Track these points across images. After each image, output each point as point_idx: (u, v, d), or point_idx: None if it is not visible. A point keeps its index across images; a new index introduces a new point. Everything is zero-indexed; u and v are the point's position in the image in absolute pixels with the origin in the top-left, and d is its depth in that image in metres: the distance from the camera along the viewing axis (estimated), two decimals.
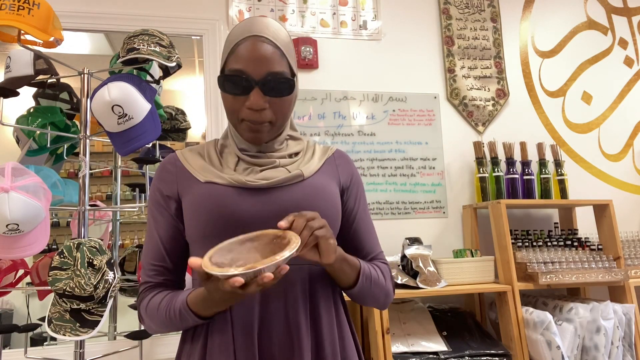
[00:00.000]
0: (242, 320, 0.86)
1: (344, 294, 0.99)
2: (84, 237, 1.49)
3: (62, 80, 1.74)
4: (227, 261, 0.75)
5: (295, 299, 0.88)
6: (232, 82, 0.90)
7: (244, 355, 0.84)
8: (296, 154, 1.00)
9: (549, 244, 2.19)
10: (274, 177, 0.91)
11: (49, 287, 1.33)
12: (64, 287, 1.31)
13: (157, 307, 0.90)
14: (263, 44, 0.89)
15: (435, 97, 2.48)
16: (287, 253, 0.71)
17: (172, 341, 1.94)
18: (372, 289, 0.95)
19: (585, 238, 2.26)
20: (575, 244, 2.21)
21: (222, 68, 0.94)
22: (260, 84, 0.88)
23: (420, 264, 2.05)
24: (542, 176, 2.37)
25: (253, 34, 0.90)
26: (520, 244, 2.18)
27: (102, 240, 1.65)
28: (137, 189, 1.77)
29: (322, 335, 0.89)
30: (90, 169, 1.59)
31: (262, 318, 0.87)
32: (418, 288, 1.97)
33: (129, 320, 1.82)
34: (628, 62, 2.80)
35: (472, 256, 2.14)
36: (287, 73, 0.91)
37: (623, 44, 2.81)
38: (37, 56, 1.57)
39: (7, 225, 1.32)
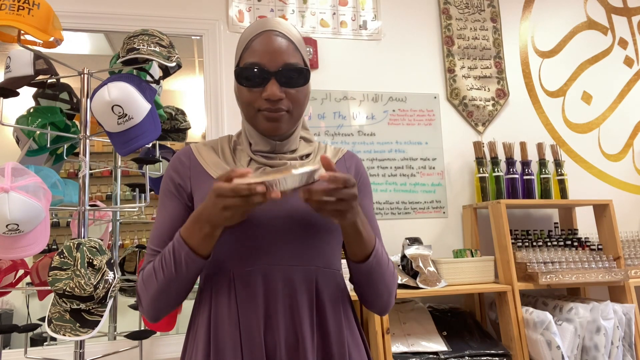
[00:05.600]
0: (248, 321, 0.86)
1: (352, 297, 0.98)
2: (84, 237, 1.49)
3: (62, 80, 1.74)
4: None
5: (301, 301, 0.88)
6: (248, 75, 0.91)
7: (250, 356, 0.84)
8: (307, 155, 1.01)
9: (549, 244, 2.19)
10: None
11: (49, 287, 1.33)
12: (64, 287, 1.31)
13: (153, 266, 0.88)
14: (277, 37, 0.92)
15: (435, 97, 2.48)
16: (308, 168, 0.76)
17: (172, 341, 1.94)
18: (380, 277, 0.93)
19: (585, 238, 2.26)
20: (575, 244, 2.21)
21: (237, 64, 0.95)
22: (276, 75, 0.90)
23: (420, 264, 2.05)
24: (542, 176, 2.37)
25: (266, 29, 0.93)
26: (520, 244, 2.18)
27: (102, 240, 1.65)
28: (137, 189, 1.77)
29: (330, 339, 0.89)
30: (90, 169, 1.59)
31: (267, 320, 0.87)
32: (418, 288, 1.97)
33: (129, 320, 1.82)
34: (628, 62, 2.80)
35: (472, 256, 2.14)
36: (302, 64, 0.94)
37: (623, 44, 2.81)
38: (37, 56, 1.57)
39: (7, 225, 1.32)
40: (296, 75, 0.92)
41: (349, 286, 1.02)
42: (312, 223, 0.91)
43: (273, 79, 0.90)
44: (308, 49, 2.35)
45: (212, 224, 0.80)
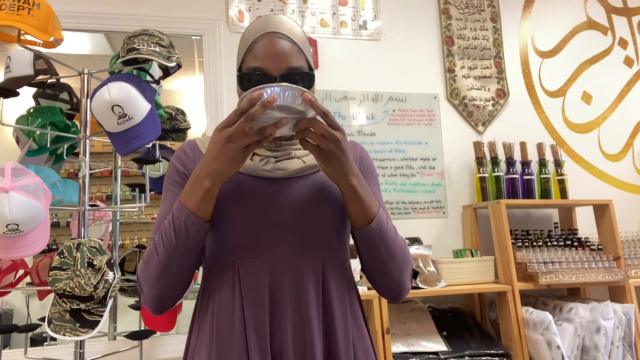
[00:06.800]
0: (253, 314, 0.84)
1: (359, 291, 0.96)
2: (84, 237, 1.49)
3: (62, 80, 1.74)
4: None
5: (308, 292, 0.86)
6: (251, 80, 0.89)
7: (257, 351, 0.82)
8: None
9: (549, 244, 2.19)
10: (289, 168, 0.91)
11: (49, 287, 1.33)
12: (64, 287, 1.31)
13: (153, 243, 0.86)
14: (280, 40, 0.90)
15: (435, 97, 2.48)
16: (299, 87, 0.75)
17: (172, 341, 1.94)
18: (386, 248, 0.89)
19: (585, 238, 2.26)
20: (575, 244, 2.21)
21: (239, 67, 0.94)
22: (280, 80, 0.88)
23: (420, 264, 2.05)
24: (542, 176, 2.37)
25: (269, 31, 0.90)
26: (520, 244, 2.18)
27: (102, 240, 1.65)
28: (137, 189, 1.77)
29: (335, 331, 0.87)
30: (90, 169, 1.59)
31: (273, 312, 0.85)
32: (418, 288, 1.97)
33: (129, 320, 1.82)
34: (628, 62, 2.80)
35: (472, 256, 2.14)
36: (306, 67, 0.92)
37: (623, 44, 2.81)
38: (37, 56, 1.57)
39: (7, 226, 1.32)
40: (300, 79, 0.90)
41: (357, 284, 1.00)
42: (317, 212, 0.89)
43: None
44: None
45: (212, 174, 0.79)
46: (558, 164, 2.40)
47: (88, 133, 1.56)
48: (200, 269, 0.98)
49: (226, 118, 0.78)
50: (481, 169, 2.33)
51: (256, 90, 0.75)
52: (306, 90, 0.76)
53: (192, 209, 0.82)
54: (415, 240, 2.20)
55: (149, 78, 1.60)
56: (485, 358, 1.89)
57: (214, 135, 0.80)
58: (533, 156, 2.47)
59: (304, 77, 0.90)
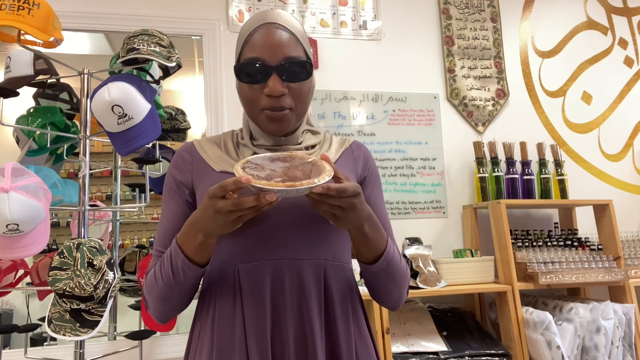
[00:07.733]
0: (254, 319, 0.83)
1: (361, 290, 0.96)
2: (84, 237, 1.49)
3: (62, 80, 1.74)
4: (264, 175, 0.75)
5: (310, 297, 0.85)
6: (249, 71, 0.88)
7: (257, 356, 0.82)
8: (313, 146, 0.98)
9: (549, 244, 2.19)
10: None
11: (49, 287, 1.33)
12: (64, 287, 1.31)
13: (154, 271, 0.86)
14: (277, 30, 0.89)
15: (435, 97, 2.48)
16: (326, 178, 0.74)
17: (172, 341, 1.94)
18: (390, 277, 0.90)
19: (585, 238, 2.26)
20: (575, 244, 2.21)
21: (238, 59, 0.92)
22: (277, 70, 0.87)
23: (420, 264, 2.05)
24: (542, 176, 2.37)
25: (266, 22, 0.89)
26: (520, 244, 2.18)
27: (102, 240, 1.65)
28: (137, 189, 1.77)
29: (338, 335, 0.86)
30: (90, 169, 1.58)
31: (275, 317, 0.84)
32: (418, 288, 1.97)
33: (129, 320, 1.82)
34: (628, 62, 2.80)
35: (472, 256, 2.14)
36: (304, 57, 0.91)
37: (623, 44, 2.81)
38: (37, 56, 1.57)
39: (7, 226, 1.32)
40: (298, 69, 0.88)
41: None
42: (318, 215, 0.87)
43: (274, 74, 0.87)
44: None
45: (205, 231, 0.78)
46: (558, 164, 2.40)
47: (88, 133, 1.56)
48: None
49: (216, 187, 0.74)
50: (481, 169, 2.33)
51: (256, 191, 0.72)
52: (314, 184, 0.72)
53: (188, 254, 0.81)
54: (415, 240, 2.20)
55: (149, 78, 1.60)
56: (485, 358, 1.89)
57: (206, 197, 0.76)
58: (533, 156, 2.47)
59: (302, 67, 0.89)
